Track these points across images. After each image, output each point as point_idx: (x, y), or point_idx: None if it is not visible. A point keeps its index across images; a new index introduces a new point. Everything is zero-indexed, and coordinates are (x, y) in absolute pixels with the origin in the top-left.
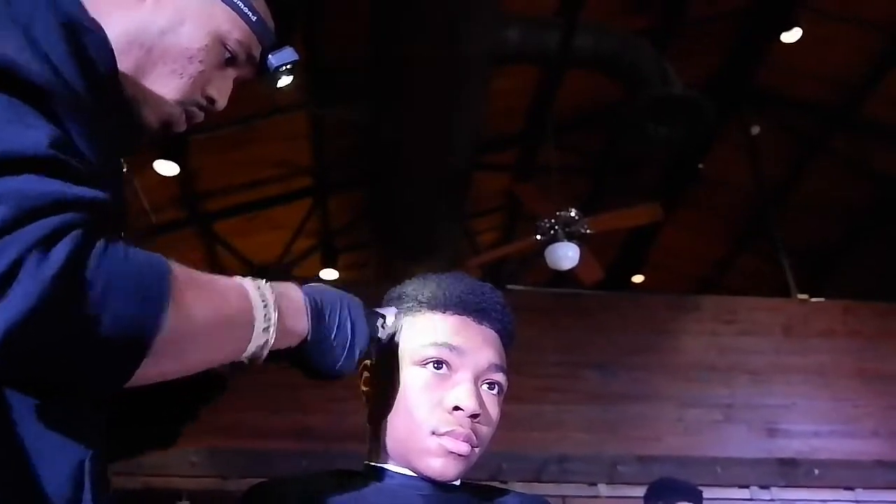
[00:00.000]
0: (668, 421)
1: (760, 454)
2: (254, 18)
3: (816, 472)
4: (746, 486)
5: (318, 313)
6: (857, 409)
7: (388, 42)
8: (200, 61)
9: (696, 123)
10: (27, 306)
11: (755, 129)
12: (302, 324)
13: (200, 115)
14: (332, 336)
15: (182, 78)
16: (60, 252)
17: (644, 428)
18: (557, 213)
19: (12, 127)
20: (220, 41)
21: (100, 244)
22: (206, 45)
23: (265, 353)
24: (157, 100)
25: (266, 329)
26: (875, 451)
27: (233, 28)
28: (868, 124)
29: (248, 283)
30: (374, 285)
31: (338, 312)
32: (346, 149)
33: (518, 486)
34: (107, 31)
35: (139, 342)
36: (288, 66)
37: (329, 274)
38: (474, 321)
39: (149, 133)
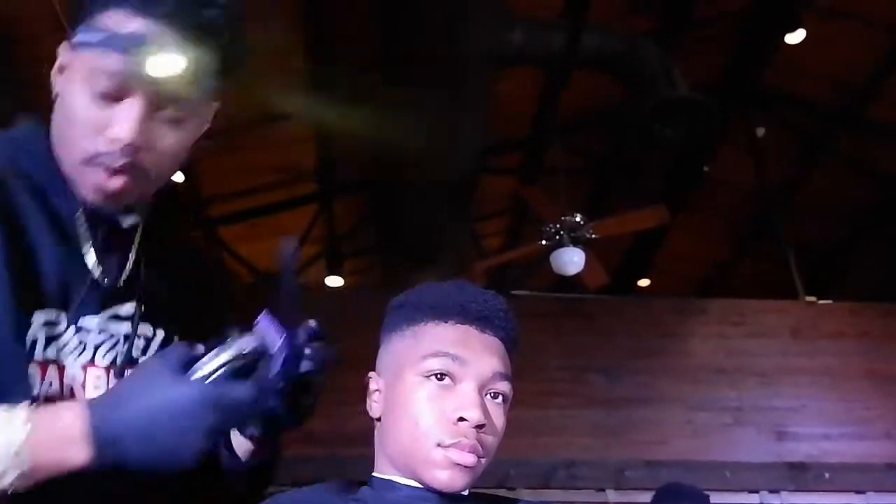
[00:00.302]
0: (676, 424)
1: (770, 458)
2: (98, 38)
3: (827, 475)
4: (756, 491)
5: (108, 440)
6: (867, 412)
7: (389, 43)
8: (83, 114)
9: (701, 125)
10: None
11: (760, 131)
12: (71, 454)
13: (120, 159)
14: (140, 456)
15: (77, 138)
16: None
17: (651, 432)
18: (563, 218)
19: None
20: (88, 85)
21: None
22: (82, 102)
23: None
24: (74, 171)
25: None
26: (886, 454)
27: (94, 65)
28: (873, 125)
29: None
30: (378, 290)
31: (151, 432)
32: (352, 153)
33: (526, 493)
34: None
35: None
36: (136, 45)
37: (334, 280)
38: (477, 330)
39: (98, 206)
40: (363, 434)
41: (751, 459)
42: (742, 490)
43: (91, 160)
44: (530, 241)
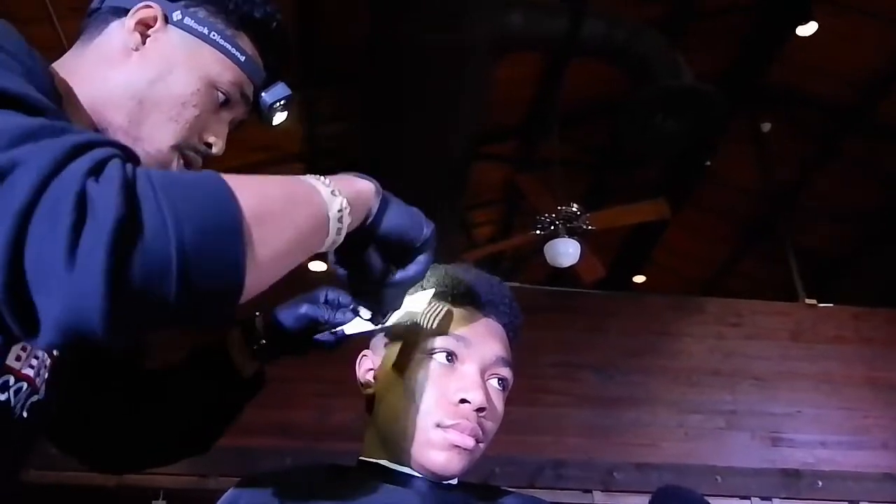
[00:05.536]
0: (668, 427)
1: (763, 464)
2: (242, 58)
3: (820, 483)
4: (747, 497)
5: (385, 197)
6: (866, 420)
7: (386, 25)
8: (194, 106)
9: (706, 117)
10: (113, 225)
11: (766, 126)
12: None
13: (199, 162)
14: (399, 219)
15: (178, 123)
16: (114, 174)
17: (642, 434)
18: (559, 208)
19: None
20: (211, 84)
21: (140, 170)
22: (197, 90)
23: (340, 239)
24: (152, 147)
25: (340, 219)
26: (884, 464)
27: (223, 70)
28: (883, 126)
29: (313, 181)
30: None
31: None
32: (340, 134)
33: None
34: (98, 92)
35: (230, 279)
36: (282, 102)
37: (319, 266)
38: (482, 313)
39: None
40: (347, 427)
41: (743, 465)
42: (733, 496)
43: (182, 148)
44: (522, 231)
